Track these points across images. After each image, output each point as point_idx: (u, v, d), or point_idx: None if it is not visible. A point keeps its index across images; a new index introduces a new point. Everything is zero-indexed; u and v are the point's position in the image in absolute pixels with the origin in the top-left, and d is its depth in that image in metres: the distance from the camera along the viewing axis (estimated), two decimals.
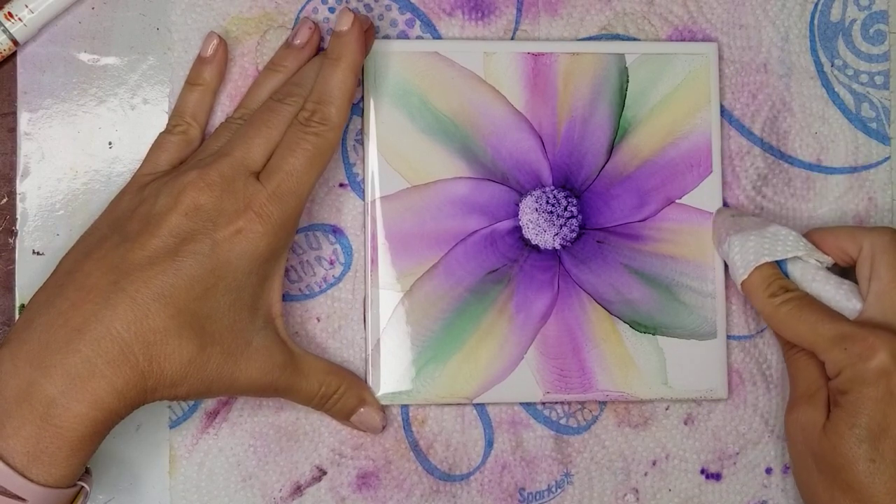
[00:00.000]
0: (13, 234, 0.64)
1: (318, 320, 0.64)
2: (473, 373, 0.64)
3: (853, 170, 0.67)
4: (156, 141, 0.63)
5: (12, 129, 0.64)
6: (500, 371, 0.64)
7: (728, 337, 0.66)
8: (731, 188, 0.66)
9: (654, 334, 0.65)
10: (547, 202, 0.65)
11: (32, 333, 0.55)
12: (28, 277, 0.63)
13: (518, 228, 0.65)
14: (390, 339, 0.64)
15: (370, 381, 0.63)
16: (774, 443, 0.66)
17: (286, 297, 0.64)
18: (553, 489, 0.65)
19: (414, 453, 0.64)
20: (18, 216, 0.64)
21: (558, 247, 0.65)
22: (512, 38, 0.66)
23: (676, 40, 0.66)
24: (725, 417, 0.66)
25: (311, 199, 0.64)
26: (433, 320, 0.64)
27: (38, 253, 0.63)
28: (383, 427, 0.63)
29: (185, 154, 0.62)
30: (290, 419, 0.64)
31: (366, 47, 0.61)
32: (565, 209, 0.65)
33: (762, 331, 0.66)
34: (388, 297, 0.64)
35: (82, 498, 0.56)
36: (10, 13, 0.62)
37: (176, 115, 0.63)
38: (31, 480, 0.53)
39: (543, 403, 0.65)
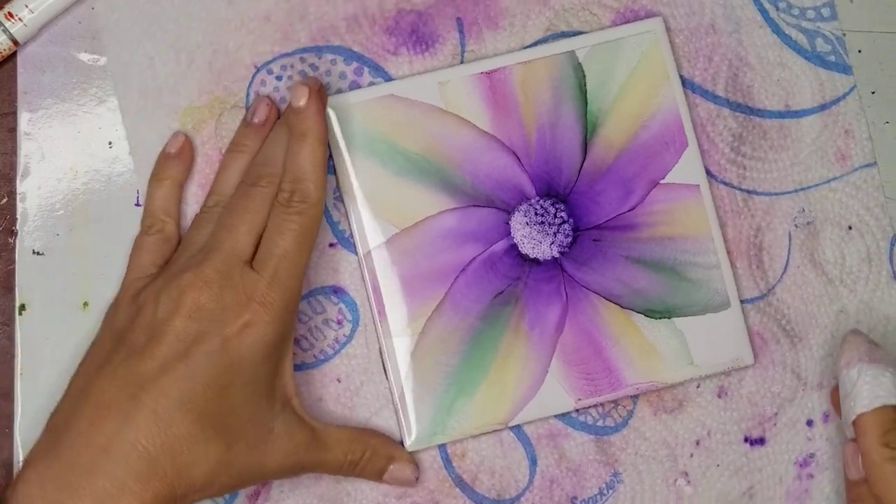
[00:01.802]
0: (13, 234, 0.64)
1: (339, 381, 0.64)
2: (502, 397, 0.64)
3: (823, 107, 0.67)
4: (135, 245, 0.63)
5: (12, 129, 0.65)
6: (528, 389, 0.64)
7: (742, 302, 0.66)
8: (710, 155, 0.66)
9: (669, 318, 0.65)
10: (536, 214, 0.65)
11: (58, 455, 0.54)
12: (28, 277, 0.63)
13: (514, 246, 0.64)
14: (414, 383, 0.63)
15: (402, 429, 0.63)
16: (809, 395, 0.66)
17: (303, 367, 0.64)
18: (605, 491, 0.65)
19: (460, 488, 0.64)
20: (18, 216, 0.64)
21: (557, 255, 0.65)
22: (461, 62, 0.65)
23: (621, 23, 0.66)
24: (757, 382, 0.66)
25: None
26: (451, 355, 0.64)
27: (38, 253, 0.64)
28: (417, 479, 0.63)
29: (167, 252, 0.62)
30: (331, 485, 0.64)
31: (325, 113, 0.61)
32: (555, 216, 0.65)
33: (773, 287, 0.66)
34: (402, 343, 0.64)
35: None
36: (10, 13, 0.63)
37: (149, 216, 0.63)
38: None
39: (577, 411, 0.65)
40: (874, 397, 0.59)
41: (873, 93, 0.65)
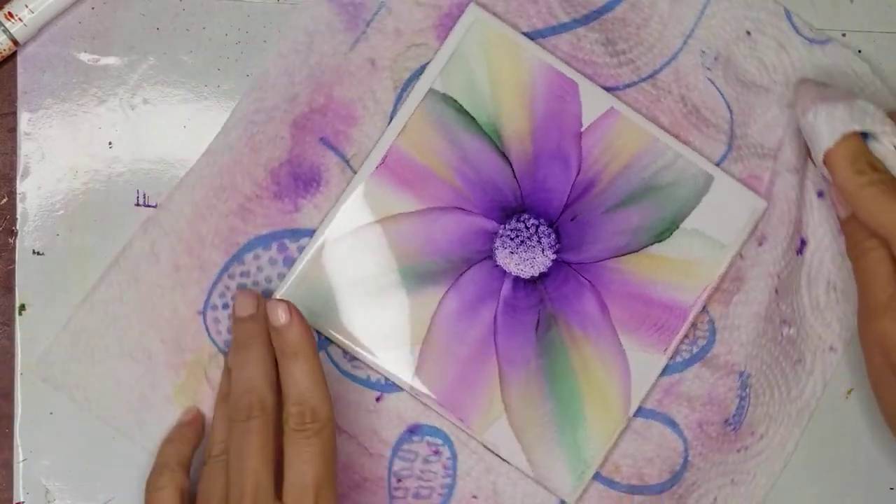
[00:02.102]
0: (13, 234, 0.64)
1: (476, 497, 0.65)
2: (608, 401, 0.65)
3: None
4: (152, 498, 0.60)
5: (12, 129, 0.65)
6: (620, 377, 0.65)
7: (719, 164, 0.66)
8: (599, 75, 0.65)
9: (677, 227, 0.65)
10: (512, 239, 0.65)
11: None
12: (28, 277, 0.63)
13: (506, 274, 0.65)
14: (534, 453, 0.64)
15: (557, 492, 0.64)
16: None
17: None
18: (744, 394, 0.65)
19: (637, 493, 0.65)
20: (18, 216, 0.64)
21: (551, 261, 0.65)
22: (353, 172, 0.66)
23: (445, 35, 0.66)
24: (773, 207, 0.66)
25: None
26: (541, 405, 0.65)
27: (38, 253, 0.64)
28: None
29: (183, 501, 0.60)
30: None
31: (311, 331, 0.59)
32: (527, 229, 0.65)
33: (732, 131, 0.65)
34: (500, 428, 0.64)
35: None
36: (10, 13, 0.63)
37: (160, 467, 0.61)
38: None
39: (672, 357, 0.65)
40: (833, 131, 0.59)
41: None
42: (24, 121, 0.65)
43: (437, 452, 0.65)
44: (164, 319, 0.64)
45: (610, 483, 0.65)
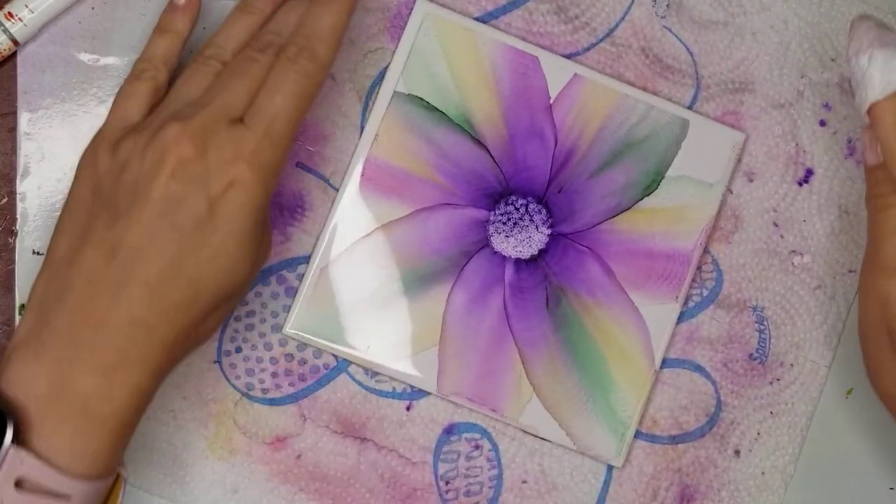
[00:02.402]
0: (13, 234, 0.64)
1: (525, 482, 0.65)
2: (634, 360, 0.65)
3: None
4: (123, 89, 0.60)
5: (12, 129, 0.64)
6: (640, 334, 0.65)
7: (691, 108, 0.66)
8: (558, 44, 0.66)
9: (663, 176, 0.65)
10: (504, 223, 0.65)
11: (52, 332, 0.54)
12: (28, 277, 0.62)
13: (505, 258, 0.65)
14: (573, 425, 0.65)
15: (614, 459, 0.65)
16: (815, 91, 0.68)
17: None
18: (763, 327, 0.66)
19: (680, 442, 0.66)
20: (18, 216, 0.64)
21: (547, 237, 0.65)
22: (337, 189, 0.66)
23: (399, 36, 0.66)
24: (759, 139, 0.67)
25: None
26: (569, 377, 0.65)
27: (38, 253, 0.64)
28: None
29: (155, 102, 0.59)
30: None
31: None
32: (518, 210, 0.65)
33: (697, 74, 0.66)
34: (533, 409, 0.65)
35: (122, 484, 0.56)
36: (10, 13, 0.62)
37: (144, 60, 0.60)
38: (76, 477, 0.53)
39: (686, 304, 0.66)
40: (887, 84, 0.57)
41: None
42: (24, 121, 0.64)
43: (477, 447, 0.65)
44: (180, 376, 0.64)
45: (651, 438, 0.65)
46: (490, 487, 0.65)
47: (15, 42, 0.63)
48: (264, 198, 0.56)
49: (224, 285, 0.56)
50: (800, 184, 0.67)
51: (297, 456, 0.64)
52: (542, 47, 0.66)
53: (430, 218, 0.65)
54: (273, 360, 0.64)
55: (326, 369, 0.64)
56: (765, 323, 0.66)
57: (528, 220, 0.65)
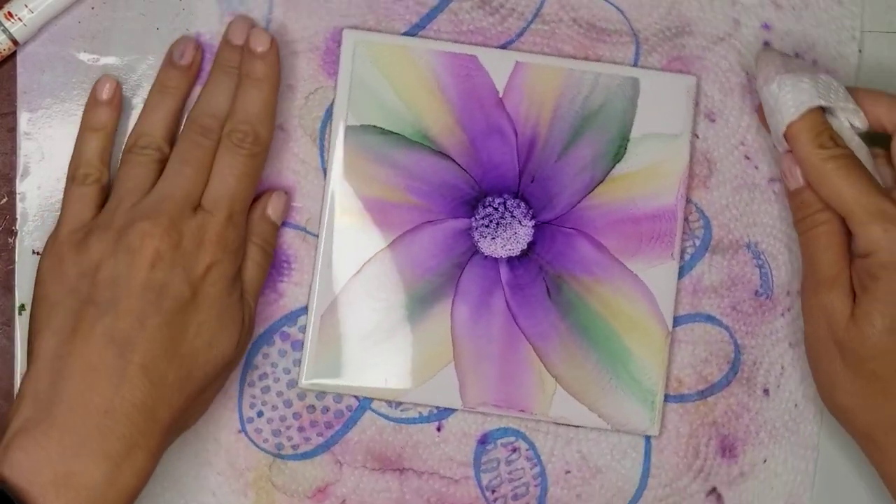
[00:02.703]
0: (13, 234, 0.64)
1: (569, 472, 0.65)
2: (648, 323, 0.66)
3: None
4: (70, 195, 0.61)
5: (12, 129, 0.65)
6: (645, 299, 0.65)
7: (636, 65, 0.66)
8: (495, 36, 0.66)
9: (628, 137, 0.65)
10: (486, 226, 0.65)
11: (53, 423, 0.55)
12: (28, 277, 0.63)
13: (493, 260, 0.65)
14: (603, 406, 0.65)
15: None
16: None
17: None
18: (762, 262, 0.66)
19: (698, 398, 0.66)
20: (18, 216, 0.64)
21: (532, 225, 0.65)
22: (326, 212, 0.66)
23: (332, 73, 0.66)
24: (712, 75, 0.66)
25: None
26: (588, 357, 0.65)
27: (38, 253, 0.64)
28: (287, 194, 0.64)
29: (102, 201, 0.61)
30: None
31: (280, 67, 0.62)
32: (498, 209, 0.65)
33: (635, 31, 0.65)
34: (562, 401, 0.65)
35: None
36: (10, 13, 0.63)
37: (84, 164, 0.62)
38: None
39: (683, 260, 0.65)
40: (799, 104, 0.59)
41: None
42: (24, 121, 0.65)
43: (515, 450, 0.65)
44: (209, 454, 0.64)
45: (680, 398, 0.65)
46: (536, 486, 0.65)
47: (15, 42, 0.64)
48: (236, 275, 0.60)
49: (214, 359, 0.59)
50: (758, 110, 0.66)
51: (342, 501, 0.64)
52: (477, 44, 0.66)
53: (414, 240, 0.65)
54: (296, 416, 0.65)
55: (350, 411, 0.65)
56: (762, 257, 0.66)
57: (510, 216, 0.65)
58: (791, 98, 0.60)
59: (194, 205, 0.59)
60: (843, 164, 0.59)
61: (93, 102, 0.63)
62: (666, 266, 0.65)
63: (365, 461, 0.65)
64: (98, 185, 0.62)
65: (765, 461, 0.65)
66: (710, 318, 0.66)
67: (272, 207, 0.63)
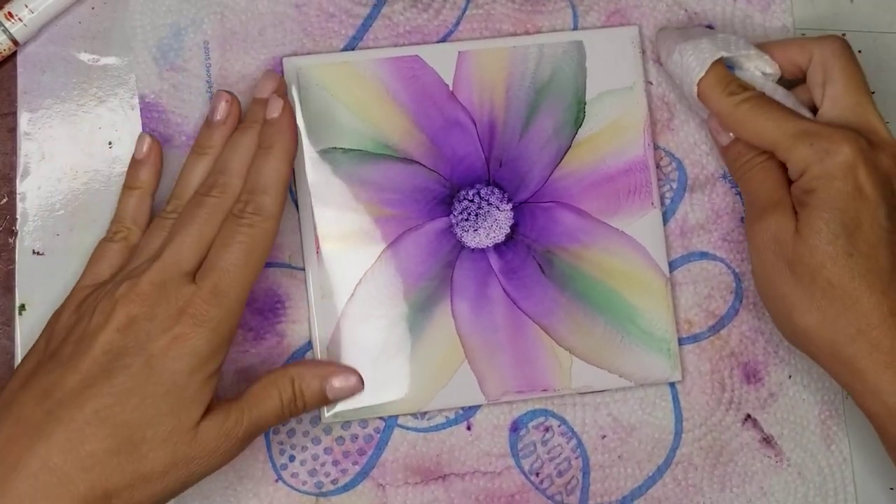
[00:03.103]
0: (13, 234, 0.64)
1: (605, 436, 0.65)
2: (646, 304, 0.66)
3: None
4: (96, 250, 0.61)
5: (12, 129, 0.64)
6: (636, 253, 0.65)
7: (576, 29, 0.67)
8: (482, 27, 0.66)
9: (584, 105, 0.66)
10: (467, 219, 0.65)
11: None
12: (28, 277, 0.63)
13: (476, 251, 0.65)
14: (622, 366, 0.65)
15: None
16: None
17: None
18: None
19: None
20: (18, 216, 0.64)
21: (511, 210, 0.65)
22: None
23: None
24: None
25: None
26: (583, 334, 0.65)
27: (38, 253, 0.64)
28: (362, 381, 0.62)
29: (127, 261, 0.60)
30: None
31: (297, 135, 0.60)
32: (477, 201, 0.65)
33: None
34: (581, 371, 0.64)
35: None
36: (10, 13, 0.63)
37: (116, 222, 0.62)
38: None
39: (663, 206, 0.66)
40: (702, 62, 0.61)
41: (873, 93, 0.64)
42: (24, 121, 0.64)
43: (547, 429, 0.65)
44: None
45: (694, 338, 0.66)
46: (577, 458, 0.65)
47: (15, 42, 0.63)
48: (209, 355, 0.56)
49: (155, 441, 0.55)
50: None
51: None
52: (417, 44, 0.65)
53: (399, 250, 0.64)
54: (328, 451, 0.64)
55: (378, 433, 0.64)
56: None
57: (487, 205, 0.65)
58: (694, 59, 0.61)
59: (187, 269, 0.57)
60: (754, 103, 0.60)
61: (131, 163, 0.62)
62: (649, 216, 0.66)
63: (406, 478, 0.64)
64: (125, 243, 0.61)
65: (790, 377, 0.66)
66: (703, 255, 0.66)
67: (338, 383, 0.61)
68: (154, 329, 0.55)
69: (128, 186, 0.62)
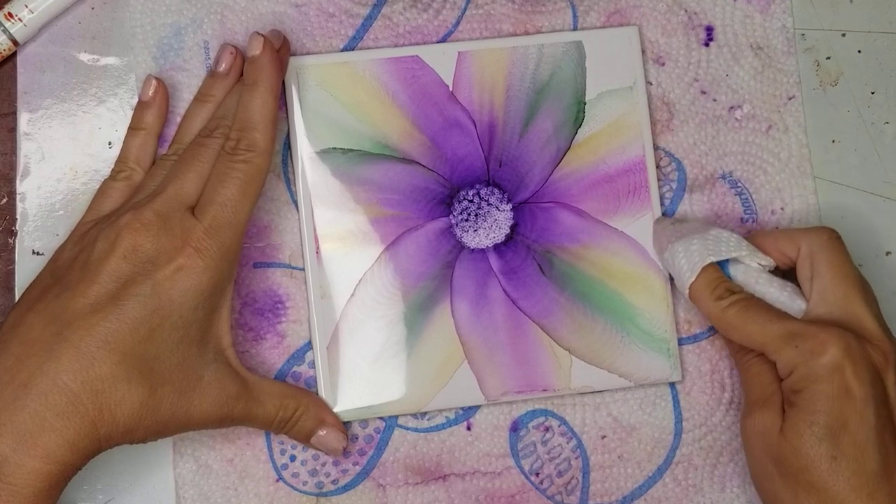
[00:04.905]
0: (13, 234, 0.64)
1: (604, 436, 0.65)
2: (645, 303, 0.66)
3: None
4: (100, 188, 0.62)
5: (12, 129, 0.64)
6: (630, 246, 0.66)
7: (576, 28, 0.66)
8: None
9: (585, 103, 0.66)
10: (467, 220, 0.65)
11: None
12: (28, 277, 0.62)
13: (475, 251, 0.65)
14: (621, 366, 0.65)
15: None
16: None
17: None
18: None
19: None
20: (18, 216, 0.64)
21: (510, 210, 0.65)
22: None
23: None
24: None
25: None
26: (581, 333, 0.65)
27: (38, 253, 0.64)
28: (344, 448, 0.63)
29: (128, 200, 0.61)
30: None
31: (282, 66, 0.61)
32: (479, 203, 0.65)
33: None
34: (581, 371, 0.64)
35: None
36: (10, 13, 0.63)
37: (120, 161, 0.63)
38: None
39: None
40: (692, 266, 0.61)
41: (873, 93, 0.65)
42: (24, 121, 0.64)
43: (547, 429, 0.65)
44: None
45: (694, 338, 0.66)
46: (577, 458, 0.65)
47: (15, 42, 0.63)
48: (212, 285, 0.57)
49: (160, 370, 0.56)
50: (706, 44, 0.67)
51: None
52: (417, 44, 0.65)
53: (399, 251, 0.64)
54: None
55: (379, 433, 0.64)
56: (739, 184, 0.67)
57: (486, 205, 0.65)
58: (685, 262, 0.62)
59: (189, 203, 0.58)
60: (741, 307, 0.60)
61: (137, 105, 0.63)
62: (649, 216, 0.66)
63: (406, 478, 0.64)
64: (127, 181, 0.62)
65: None
66: None
67: (325, 436, 0.62)
68: (159, 258, 0.56)
69: (132, 127, 0.63)
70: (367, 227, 0.64)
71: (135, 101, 0.64)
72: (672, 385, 0.66)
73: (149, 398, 0.56)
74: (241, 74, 0.62)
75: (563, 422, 0.65)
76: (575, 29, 0.66)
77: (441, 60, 0.65)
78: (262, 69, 0.60)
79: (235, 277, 0.61)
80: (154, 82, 0.63)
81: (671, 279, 0.65)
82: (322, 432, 0.62)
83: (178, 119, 0.64)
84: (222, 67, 0.63)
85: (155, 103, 0.63)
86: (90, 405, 0.54)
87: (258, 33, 0.60)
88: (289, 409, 0.61)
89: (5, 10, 0.63)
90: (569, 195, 0.65)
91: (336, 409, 0.63)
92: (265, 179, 0.59)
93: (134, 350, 0.55)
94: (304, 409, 0.61)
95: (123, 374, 0.55)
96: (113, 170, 0.63)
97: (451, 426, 0.65)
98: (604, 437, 0.66)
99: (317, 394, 0.63)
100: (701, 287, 0.61)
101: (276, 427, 0.61)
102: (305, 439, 0.62)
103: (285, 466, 0.64)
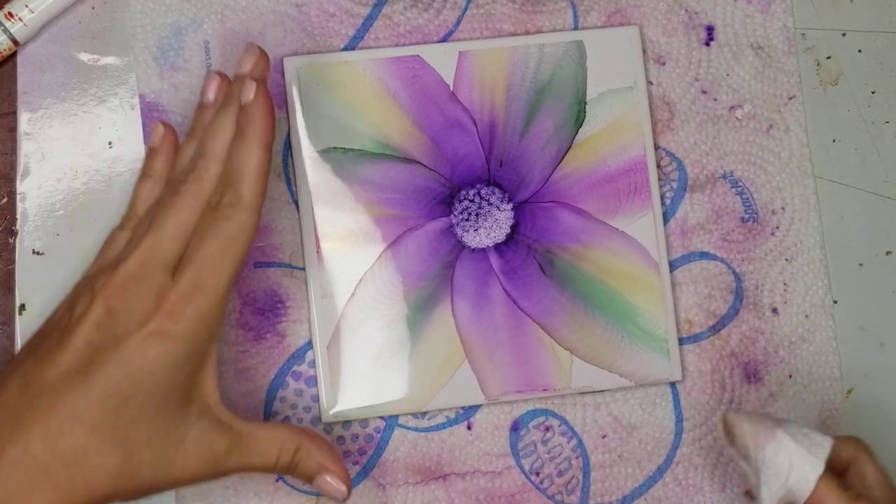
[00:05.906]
0: (13, 234, 0.64)
1: (605, 436, 0.65)
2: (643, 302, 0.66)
3: None
4: (108, 237, 0.60)
5: (12, 129, 0.64)
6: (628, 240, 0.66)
7: (576, 27, 0.67)
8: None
9: (584, 105, 0.66)
10: (467, 219, 0.65)
11: None
12: (28, 277, 0.63)
13: (475, 250, 0.65)
14: (622, 366, 0.65)
15: None
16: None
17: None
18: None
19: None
20: (18, 216, 0.64)
21: (511, 210, 0.65)
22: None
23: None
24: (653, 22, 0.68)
25: None
26: (580, 332, 0.65)
27: (38, 253, 0.64)
28: (349, 495, 0.59)
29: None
30: None
31: (274, 120, 0.56)
32: (480, 202, 0.65)
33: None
34: (582, 371, 0.64)
35: None
36: (10, 13, 0.63)
37: (128, 209, 0.61)
38: None
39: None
40: (806, 479, 0.56)
41: (873, 93, 0.65)
42: (24, 121, 0.64)
43: (547, 428, 0.65)
44: None
45: (694, 338, 0.66)
46: (577, 457, 0.65)
47: (15, 42, 0.63)
48: (187, 351, 0.54)
49: (138, 435, 0.54)
50: (706, 44, 0.67)
51: None
52: (418, 43, 0.65)
53: (399, 250, 0.64)
54: None
55: (379, 433, 0.64)
56: (740, 184, 0.67)
57: (487, 205, 0.65)
58: (801, 467, 0.57)
59: (167, 260, 0.55)
60: None
61: (147, 153, 0.61)
62: (650, 216, 0.66)
63: (406, 478, 0.64)
64: (132, 231, 0.59)
65: (790, 377, 0.67)
66: (704, 255, 0.66)
67: (330, 483, 0.59)
68: (131, 323, 0.54)
69: (143, 174, 0.61)
70: (367, 226, 0.64)
71: (135, 100, 0.64)
72: (672, 385, 0.66)
73: (125, 465, 0.53)
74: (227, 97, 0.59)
75: (564, 421, 0.65)
76: (575, 28, 0.66)
77: (442, 60, 0.65)
78: (252, 120, 0.56)
79: (235, 278, 0.59)
80: (161, 129, 0.61)
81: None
82: (327, 478, 0.59)
83: (178, 119, 0.64)
84: (209, 98, 0.60)
85: (163, 150, 0.61)
86: (63, 475, 0.52)
87: (251, 79, 0.57)
88: (288, 452, 0.58)
89: (5, 10, 0.63)
90: (569, 195, 0.65)
91: (336, 409, 0.63)
92: (252, 236, 0.56)
93: (105, 419, 0.53)
94: (305, 451, 0.58)
95: (95, 443, 0.53)
96: (122, 219, 0.60)
97: (451, 426, 0.65)
98: (604, 436, 0.66)
99: (319, 433, 0.62)
100: (825, 494, 0.56)
101: (280, 470, 0.59)
102: (308, 480, 0.59)
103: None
